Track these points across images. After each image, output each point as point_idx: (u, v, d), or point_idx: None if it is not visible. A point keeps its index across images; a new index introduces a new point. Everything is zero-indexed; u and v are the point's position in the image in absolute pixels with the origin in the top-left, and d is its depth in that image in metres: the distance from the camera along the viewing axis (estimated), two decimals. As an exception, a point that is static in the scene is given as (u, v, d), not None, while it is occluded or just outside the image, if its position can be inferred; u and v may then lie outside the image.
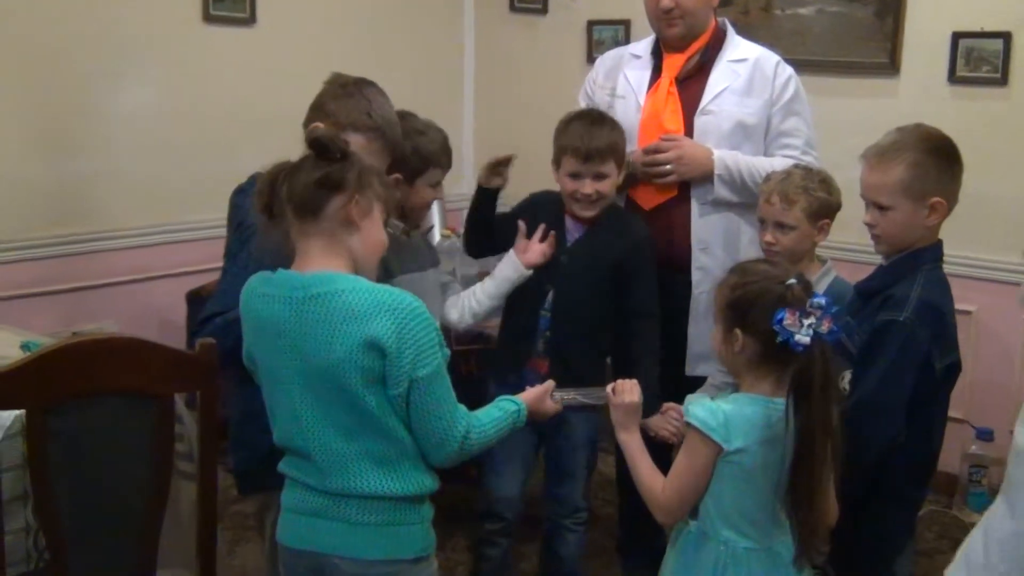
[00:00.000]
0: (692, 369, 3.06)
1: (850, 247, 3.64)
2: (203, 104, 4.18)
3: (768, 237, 2.73)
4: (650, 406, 2.66)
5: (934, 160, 2.39)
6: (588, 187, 2.80)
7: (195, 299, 3.98)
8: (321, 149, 1.95)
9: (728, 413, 2.05)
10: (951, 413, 3.58)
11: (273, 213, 1.97)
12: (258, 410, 2.28)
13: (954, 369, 2.45)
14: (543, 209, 2.92)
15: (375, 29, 4.73)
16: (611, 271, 2.85)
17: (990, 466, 3.90)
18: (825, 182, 2.71)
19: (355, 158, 2.00)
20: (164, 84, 4.09)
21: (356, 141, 2.41)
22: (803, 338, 1.98)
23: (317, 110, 2.50)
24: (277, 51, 4.33)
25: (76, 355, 1.98)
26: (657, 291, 2.91)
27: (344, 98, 2.47)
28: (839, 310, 2.04)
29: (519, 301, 2.90)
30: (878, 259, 2.56)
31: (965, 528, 3.84)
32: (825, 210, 2.70)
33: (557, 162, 2.87)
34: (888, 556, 2.49)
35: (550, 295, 2.87)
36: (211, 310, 2.37)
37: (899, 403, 2.32)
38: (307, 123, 2.51)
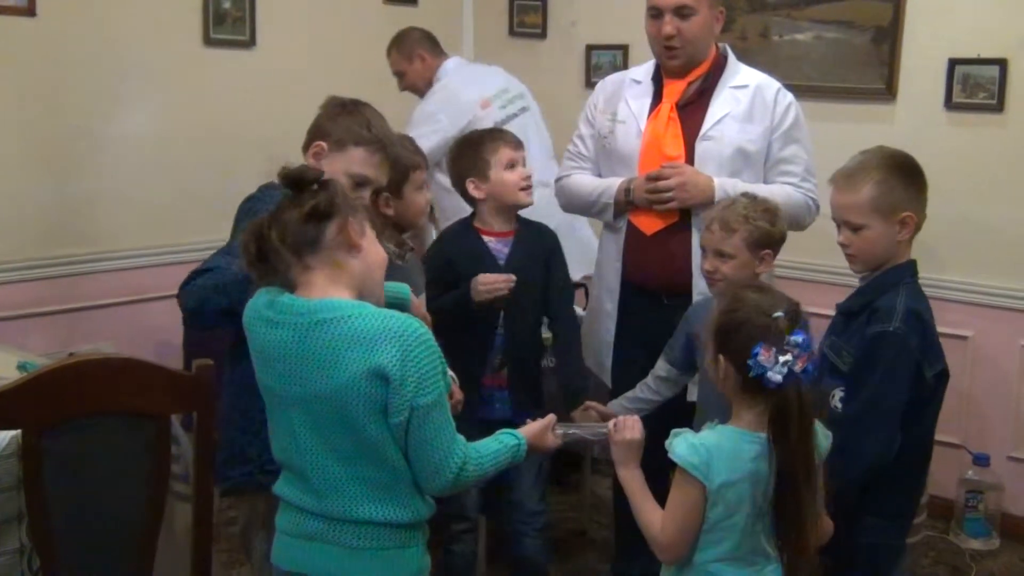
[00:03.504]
0: (692, 394, 3.05)
1: (834, 269, 3.65)
2: (203, 126, 4.20)
3: (707, 265, 2.71)
4: (574, 399, 2.91)
5: (899, 177, 2.46)
6: (526, 171, 2.99)
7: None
8: (297, 182, 1.95)
9: (711, 448, 2.04)
10: (948, 438, 3.63)
11: (267, 259, 1.95)
12: (233, 407, 2.37)
13: (944, 377, 2.47)
14: (458, 249, 3.02)
15: (375, 52, 4.72)
16: (543, 271, 3.03)
17: (986, 491, 3.89)
18: (768, 212, 2.68)
19: (333, 182, 2.00)
20: (164, 106, 4.10)
21: (358, 155, 2.45)
22: (775, 376, 1.97)
23: (315, 132, 2.52)
24: (277, 74, 4.34)
25: (72, 375, 1.97)
26: (571, 288, 3.18)
27: (342, 116, 2.49)
28: (813, 350, 2.03)
29: (470, 328, 2.96)
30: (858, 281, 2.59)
31: (961, 554, 3.84)
32: (766, 240, 2.66)
33: (484, 170, 2.96)
34: (884, 570, 2.50)
35: (501, 313, 2.97)
36: (203, 267, 2.39)
37: (895, 412, 2.34)
38: (306, 147, 2.52)
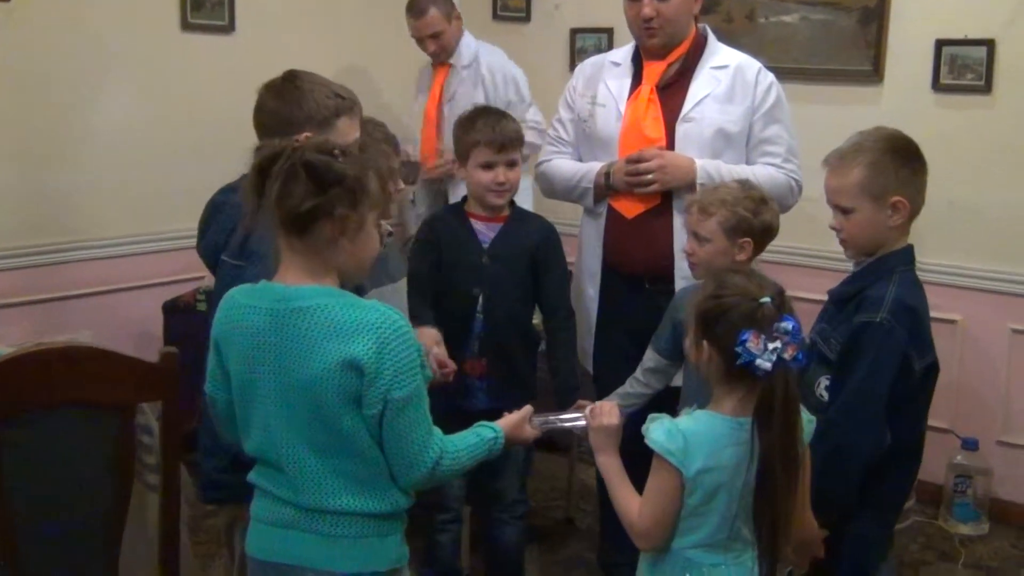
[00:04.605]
0: (677, 379, 3.01)
1: (825, 253, 3.67)
2: (181, 113, 4.15)
3: (687, 247, 2.67)
4: (566, 397, 2.87)
5: (892, 159, 2.38)
6: (503, 175, 2.87)
7: (172, 309, 3.94)
8: (316, 176, 1.84)
9: (688, 434, 1.99)
10: (936, 423, 3.61)
11: (262, 196, 1.87)
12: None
13: (933, 370, 2.42)
14: (445, 227, 2.98)
15: (356, 37, 4.70)
16: (530, 261, 2.96)
17: (975, 476, 3.87)
18: (753, 200, 2.61)
19: (351, 176, 1.88)
20: (142, 93, 4.05)
21: (343, 124, 2.37)
22: (764, 363, 1.92)
23: (285, 125, 2.33)
24: (256, 59, 4.24)
25: (33, 365, 1.92)
26: (568, 284, 3.07)
27: (304, 97, 2.37)
28: (803, 338, 1.98)
29: (449, 311, 2.92)
30: (851, 266, 2.53)
31: (950, 539, 3.82)
32: (745, 228, 2.60)
33: (465, 158, 2.93)
34: (870, 566, 2.46)
35: (480, 298, 2.93)
36: None
37: (880, 404, 2.29)
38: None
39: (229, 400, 1.99)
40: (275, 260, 1.94)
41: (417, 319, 2.81)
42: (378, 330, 1.84)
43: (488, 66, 4.37)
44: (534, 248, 2.95)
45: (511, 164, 2.90)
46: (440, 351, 2.74)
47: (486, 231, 2.95)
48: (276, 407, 1.90)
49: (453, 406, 2.78)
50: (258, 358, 1.90)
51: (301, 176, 1.84)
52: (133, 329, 4.02)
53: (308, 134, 2.27)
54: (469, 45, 4.41)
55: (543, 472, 4.13)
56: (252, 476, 2.01)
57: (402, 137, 4.51)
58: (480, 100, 4.25)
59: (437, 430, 1.95)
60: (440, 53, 4.37)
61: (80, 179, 3.92)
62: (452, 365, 2.75)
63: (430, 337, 2.74)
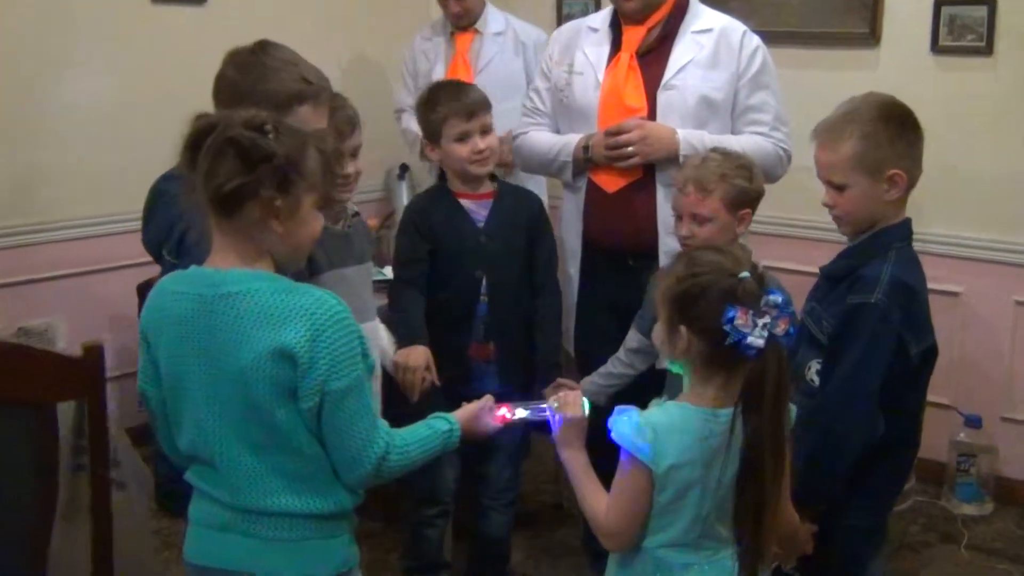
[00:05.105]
0: (660, 362, 2.90)
1: (818, 225, 3.51)
2: (152, 88, 4.01)
3: (683, 231, 2.55)
4: (547, 375, 2.79)
5: (886, 129, 2.23)
6: (480, 143, 2.77)
7: (146, 291, 3.83)
8: (242, 153, 1.73)
9: (657, 428, 1.87)
10: (938, 399, 3.50)
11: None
12: None
13: (931, 354, 2.29)
14: (438, 213, 2.84)
15: (333, 8, 4.56)
16: (526, 236, 2.88)
17: (979, 454, 3.76)
18: (744, 168, 2.52)
19: (280, 155, 1.76)
20: (111, 68, 3.94)
21: (303, 114, 2.22)
22: (756, 340, 1.79)
23: (239, 100, 2.16)
24: (229, 32, 4.03)
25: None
26: (555, 260, 2.98)
27: (268, 73, 2.21)
28: (794, 312, 1.85)
29: (453, 298, 2.83)
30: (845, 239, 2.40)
31: (953, 520, 3.71)
32: (744, 199, 2.51)
33: (436, 137, 2.80)
34: (862, 559, 2.35)
35: (483, 280, 2.83)
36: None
37: (873, 391, 2.17)
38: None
39: (162, 398, 1.88)
40: (207, 243, 1.82)
41: (410, 332, 2.75)
42: (311, 316, 1.73)
43: (526, 33, 4.16)
44: (528, 220, 2.87)
45: (485, 131, 2.78)
46: (430, 374, 2.67)
47: (477, 209, 2.84)
48: (207, 401, 1.79)
49: (460, 393, 2.66)
50: (187, 348, 1.79)
51: (229, 153, 1.72)
52: (108, 311, 3.94)
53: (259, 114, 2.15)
54: (494, 12, 4.19)
55: (533, 455, 4.03)
56: (188, 475, 1.90)
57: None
58: (519, 68, 4.08)
59: (383, 422, 1.84)
60: (463, 16, 4.10)
61: (50, 159, 3.82)
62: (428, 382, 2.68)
63: (421, 356, 2.67)
